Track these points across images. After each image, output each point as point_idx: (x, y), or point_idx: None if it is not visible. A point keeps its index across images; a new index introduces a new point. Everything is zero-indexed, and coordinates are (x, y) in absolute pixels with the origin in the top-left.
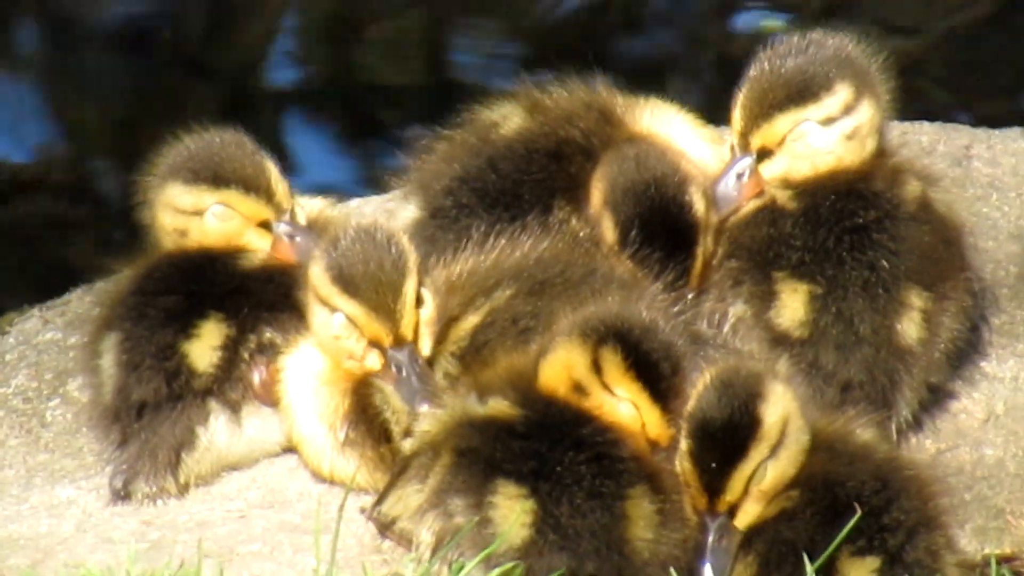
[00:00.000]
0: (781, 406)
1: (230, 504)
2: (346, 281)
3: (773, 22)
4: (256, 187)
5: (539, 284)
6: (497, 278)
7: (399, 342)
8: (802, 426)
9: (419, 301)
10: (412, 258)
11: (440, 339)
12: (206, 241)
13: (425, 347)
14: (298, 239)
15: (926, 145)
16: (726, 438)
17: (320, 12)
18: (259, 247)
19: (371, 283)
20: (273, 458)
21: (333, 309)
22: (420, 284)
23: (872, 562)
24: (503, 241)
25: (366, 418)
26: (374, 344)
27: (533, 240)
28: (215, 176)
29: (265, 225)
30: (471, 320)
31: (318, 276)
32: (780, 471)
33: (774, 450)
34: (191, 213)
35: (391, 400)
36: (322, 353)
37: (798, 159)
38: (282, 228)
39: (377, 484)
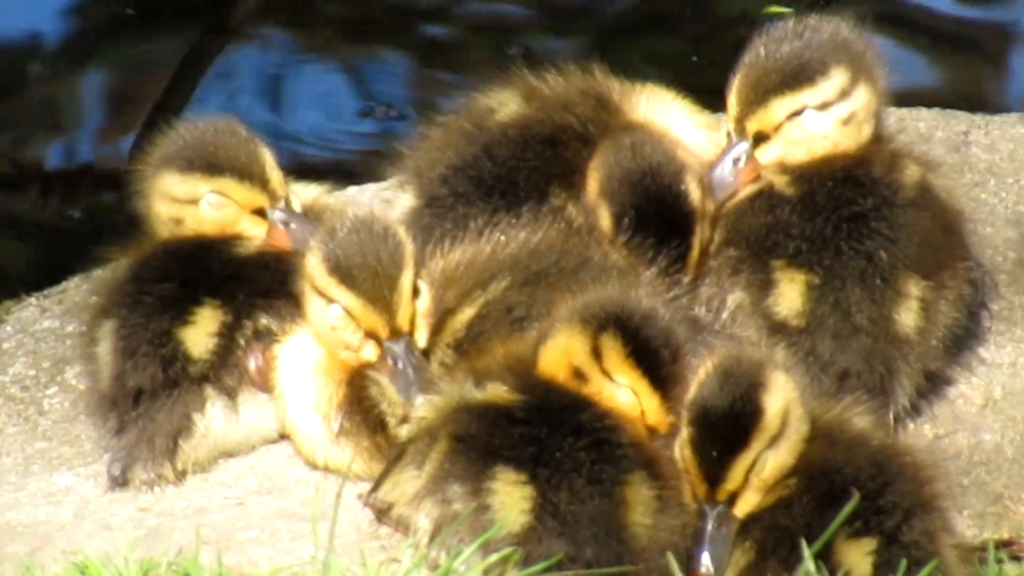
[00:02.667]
0: (782, 395)
1: (228, 491)
2: (343, 272)
3: (779, 7)
4: (251, 175)
5: (534, 274)
6: (493, 270)
7: (395, 334)
8: (802, 415)
9: (416, 293)
10: (409, 249)
11: (436, 331)
12: (201, 229)
13: (421, 339)
14: (293, 226)
15: (924, 131)
16: (728, 427)
17: None
18: (254, 234)
19: (368, 275)
20: (271, 445)
21: (329, 300)
22: (417, 276)
23: (868, 543)
24: (498, 231)
25: (361, 408)
26: (370, 336)
27: (528, 230)
28: (209, 164)
29: (260, 212)
30: (467, 312)
31: (314, 267)
32: (780, 461)
33: (775, 440)
34: (186, 202)
35: (387, 391)
36: (317, 343)
37: (794, 144)
38: (277, 215)
39: (373, 473)
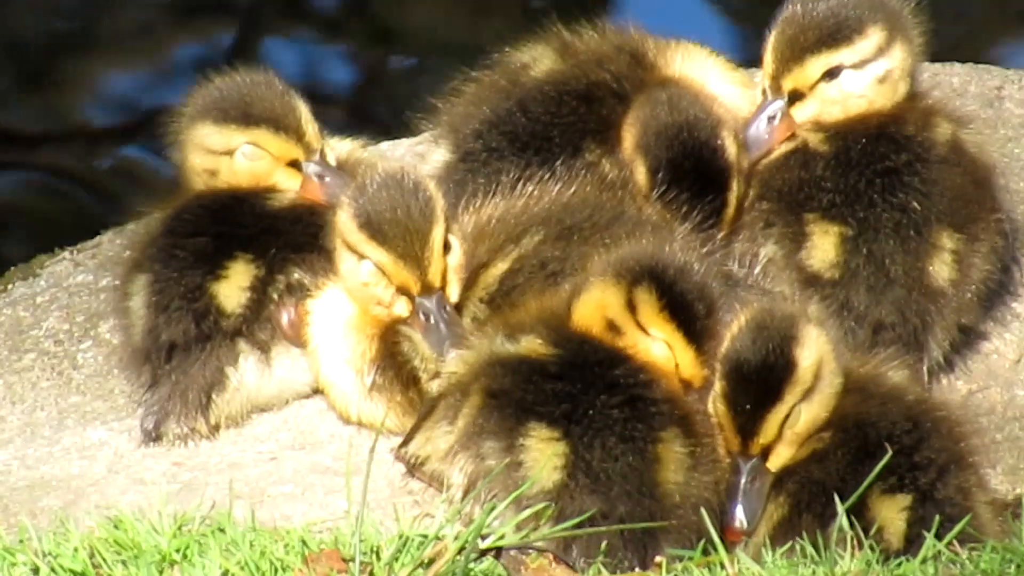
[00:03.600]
0: (815, 349)
1: (261, 446)
2: (374, 228)
3: None
4: (286, 126)
5: (567, 229)
6: (526, 224)
7: (427, 289)
8: (835, 369)
9: (447, 248)
10: (439, 205)
11: (469, 285)
12: (235, 181)
13: (453, 294)
14: (327, 179)
15: (957, 86)
16: (761, 381)
17: None
18: (288, 187)
19: (399, 230)
20: (304, 400)
21: (361, 256)
22: (448, 231)
23: (903, 499)
24: (532, 186)
25: (394, 364)
26: (402, 291)
27: (561, 184)
28: (245, 115)
29: (295, 165)
30: (500, 267)
31: (345, 223)
32: (813, 414)
33: (808, 393)
34: (221, 153)
35: (419, 347)
36: (350, 298)
37: (830, 103)
38: (312, 168)
39: (406, 428)
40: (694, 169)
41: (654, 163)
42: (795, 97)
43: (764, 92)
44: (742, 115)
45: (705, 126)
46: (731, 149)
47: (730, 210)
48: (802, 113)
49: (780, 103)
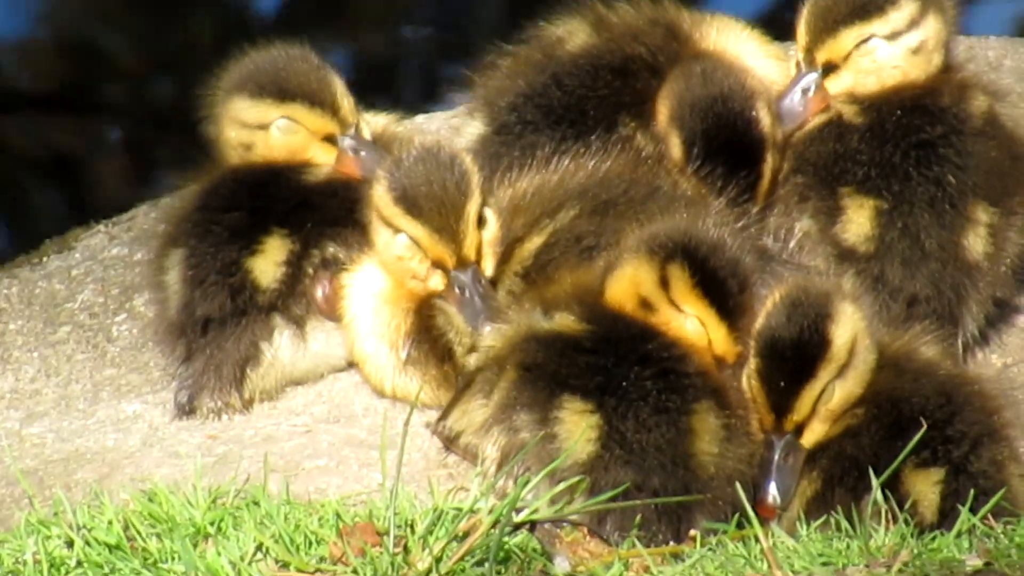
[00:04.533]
0: (850, 326)
1: (296, 419)
2: (409, 202)
3: None
4: (321, 101)
5: (603, 203)
6: (561, 198)
7: (462, 263)
8: (869, 345)
9: (482, 221)
10: (475, 178)
11: (504, 259)
12: (271, 155)
13: (488, 268)
14: (363, 154)
15: (992, 60)
16: (795, 358)
17: None
18: (324, 162)
19: (434, 204)
20: (338, 373)
21: (396, 230)
22: (483, 204)
23: (936, 473)
24: (567, 160)
25: (429, 337)
26: (437, 265)
27: (597, 159)
28: (280, 90)
29: (330, 139)
30: (536, 241)
31: (381, 196)
32: (848, 391)
33: (842, 370)
34: (256, 127)
35: (454, 320)
36: (385, 272)
37: (864, 74)
38: (347, 143)
39: (441, 402)
40: (728, 141)
41: (689, 135)
42: (829, 69)
43: (798, 65)
44: (777, 88)
45: (739, 98)
46: (766, 121)
47: (765, 182)
48: (836, 85)
49: (814, 75)
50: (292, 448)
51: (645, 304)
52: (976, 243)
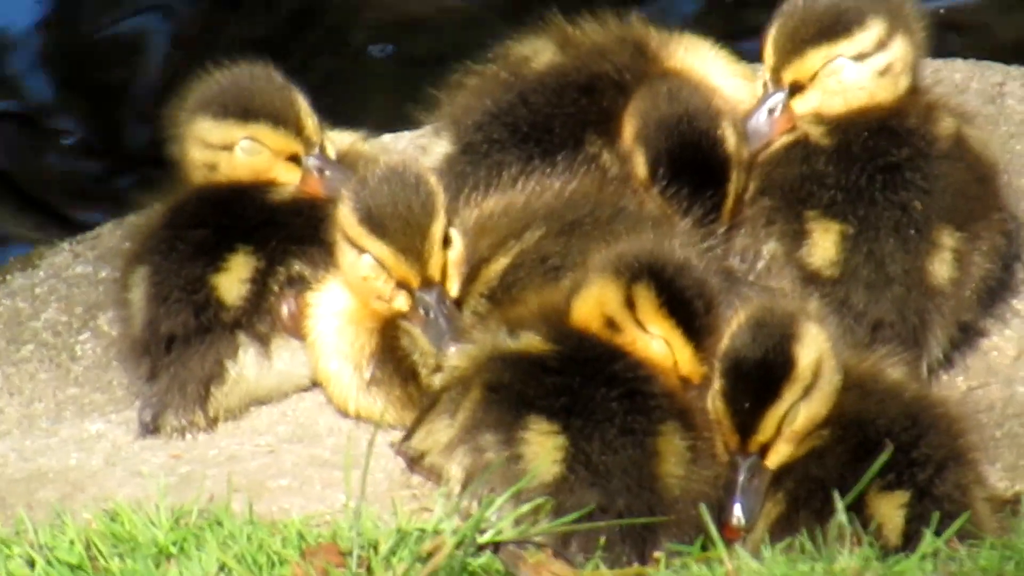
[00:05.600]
0: (815, 347)
1: (260, 439)
2: (374, 222)
3: None
4: (285, 121)
5: (568, 224)
6: (527, 219)
7: (427, 283)
8: (835, 367)
9: (447, 242)
10: (440, 198)
11: (470, 280)
12: (235, 175)
13: (453, 288)
14: (328, 173)
15: (959, 83)
16: (760, 379)
17: None
18: (288, 181)
19: (399, 224)
20: (303, 393)
21: (361, 250)
22: (448, 225)
23: (901, 496)
24: (533, 180)
25: (394, 358)
26: (402, 285)
27: (563, 179)
28: (244, 110)
29: (294, 159)
30: (501, 261)
31: (346, 216)
32: (812, 412)
33: (807, 391)
34: (220, 147)
35: (419, 341)
36: (350, 292)
37: (830, 95)
38: (311, 162)
39: (405, 422)
40: (694, 160)
41: (653, 154)
42: (796, 89)
43: (765, 84)
44: (743, 107)
45: (705, 117)
46: (731, 141)
47: (730, 202)
48: (803, 105)
49: (781, 95)
50: (256, 468)
51: (611, 324)
52: (941, 268)
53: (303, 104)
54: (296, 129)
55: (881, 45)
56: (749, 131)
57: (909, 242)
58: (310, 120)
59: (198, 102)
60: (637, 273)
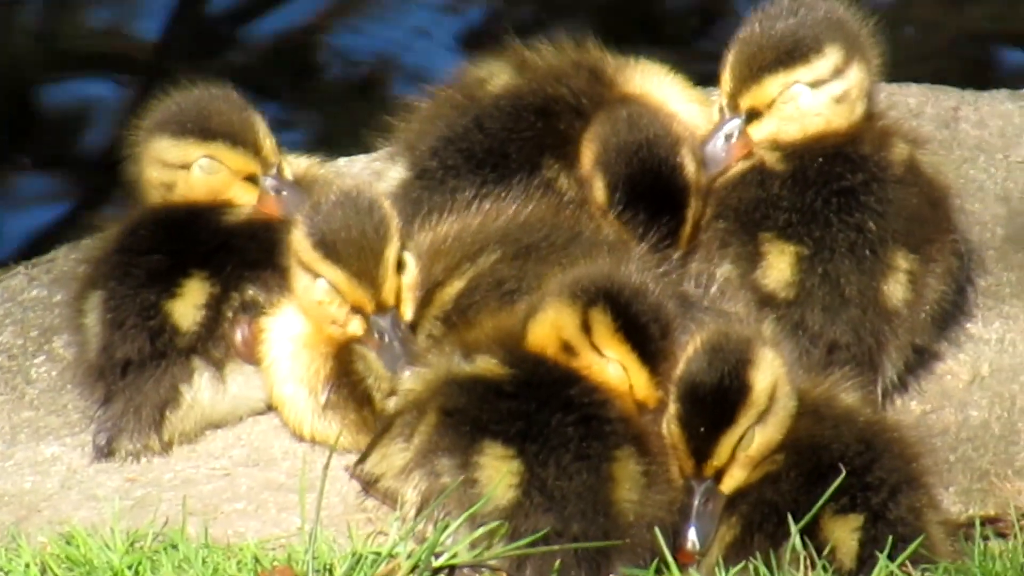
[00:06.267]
0: (770, 372)
1: (215, 462)
2: (328, 247)
3: None
4: (243, 141)
5: (524, 248)
6: (482, 243)
7: (381, 308)
8: (789, 392)
9: (401, 266)
10: (394, 223)
11: (425, 304)
12: (192, 195)
13: (408, 312)
14: (284, 193)
15: (913, 107)
16: (715, 403)
17: None
18: (245, 201)
19: (353, 249)
20: (258, 416)
21: (315, 275)
22: (402, 249)
23: (855, 520)
24: (488, 204)
25: (348, 382)
26: (356, 310)
27: (518, 203)
28: (203, 129)
29: (252, 179)
30: (456, 285)
31: (300, 241)
32: (767, 437)
33: (762, 416)
34: (178, 166)
35: (373, 365)
36: (304, 316)
37: (787, 121)
38: (269, 182)
39: (360, 446)
40: (652, 186)
41: (612, 180)
42: (752, 115)
43: (722, 110)
44: (700, 133)
45: (664, 144)
46: (690, 167)
47: (687, 228)
48: (759, 131)
49: (737, 121)
50: (211, 491)
51: (567, 348)
52: (896, 289)
53: (262, 125)
54: (254, 149)
55: (838, 72)
56: (706, 157)
57: (864, 263)
58: (268, 141)
59: (156, 122)
60: (593, 297)
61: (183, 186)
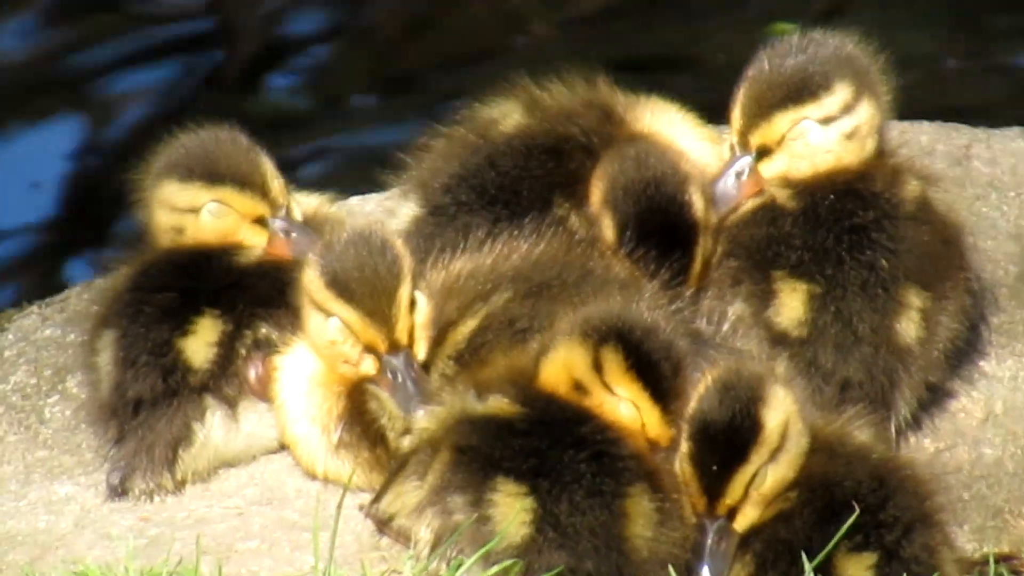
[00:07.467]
0: (782, 410)
1: (228, 501)
2: (340, 286)
3: (785, 24)
4: (251, 184)
5: (536, 287)
6: (494, 282)
7: (394, 347)
8: (802, 430)
9: (414, 305)
10: (407, 262)
11: (438, 342)
12: (202, 238)
13: (421, 351)
14: (294, 235)
15: (925, 145)
16: (727, 442)
17: None
18: (255, 243)
19: (366, 288)
20: (271, 455)
21: (328, 314)
22: (415, 288)
23: (868, 558)
24: (500, 243)
25: (361, 421)
26: (369, 349)
27: (530, 242)
28: (210, 173)
29: (261, 221)
30: (469, 324)
31: (312, 280)
32: (780, 475)
33: (774, 454)
34: (187, 211)
35: (386, 405)
36: (317, 355)
37: (797, 158)
38: (278, 224)
39: (373, 485)
40: (661, 225)
41: (621, 218)
42: (763, 153)
43: (732, 148)
44: (710, 171)
45: (673, 182)
46: (698, 205)
47: (697, 266)
48: (770, 169)
49: (748, 159)
50: (224, 530)
51: (579, 387)
52: (909, 327)
53: (269, 166)
54: (263, 192)
55: (848, 109)
56: (716, 195)
57: (876, 301)
58: (276, 182)
59: (164, 166)
60: (605, 336)
61: (192, 230)
